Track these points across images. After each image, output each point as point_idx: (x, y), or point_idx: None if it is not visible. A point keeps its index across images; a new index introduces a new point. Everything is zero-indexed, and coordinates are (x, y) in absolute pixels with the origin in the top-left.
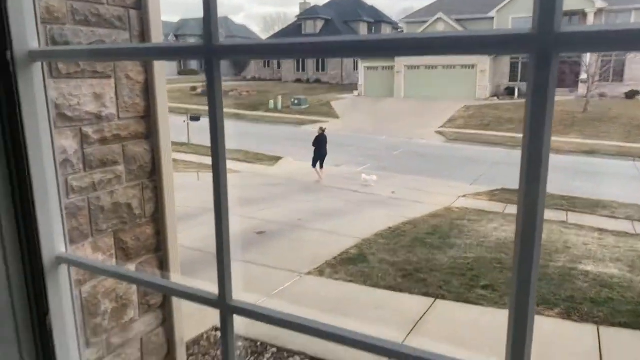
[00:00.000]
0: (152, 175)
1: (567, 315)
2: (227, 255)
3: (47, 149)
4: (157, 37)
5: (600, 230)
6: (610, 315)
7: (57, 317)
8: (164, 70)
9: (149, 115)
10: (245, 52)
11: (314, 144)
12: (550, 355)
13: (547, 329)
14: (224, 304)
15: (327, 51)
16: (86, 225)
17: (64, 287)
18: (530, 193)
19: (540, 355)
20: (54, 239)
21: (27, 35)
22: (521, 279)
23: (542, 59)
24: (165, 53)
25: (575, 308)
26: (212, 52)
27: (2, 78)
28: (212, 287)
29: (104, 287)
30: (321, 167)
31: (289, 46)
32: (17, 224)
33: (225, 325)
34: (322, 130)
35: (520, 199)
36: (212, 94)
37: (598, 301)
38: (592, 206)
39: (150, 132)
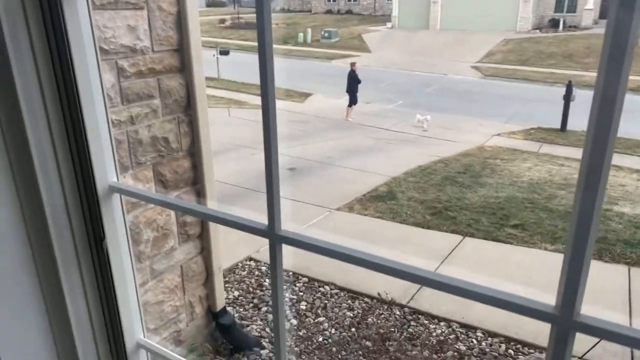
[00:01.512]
0: (187, 110)
1: (598, 255)
2: (277, 188)
3: (96, 80)
4: None
5: None
6: None
7: (112, 242)
8: (196, 1)
9: (182, 49)
10: None
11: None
12: None
13: None
14: (273, 233)
15: None
16: (126, 158)
17: (117, 214)
18: (601, 130)
19: None
20: (106, 169)
21: None
22: (582, 219)
23: None
24: None
25: (607, 249)
26: None
27: (50, 8)
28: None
29: (145, 218)
30: (349, 105)
31: None
32: (71, 154)
33: (275, 253)
34: (351, 65)
35: (588, 136)
36: (262, 23)
37: (632, 243)
38: (634, 146)
39: (183, 65)
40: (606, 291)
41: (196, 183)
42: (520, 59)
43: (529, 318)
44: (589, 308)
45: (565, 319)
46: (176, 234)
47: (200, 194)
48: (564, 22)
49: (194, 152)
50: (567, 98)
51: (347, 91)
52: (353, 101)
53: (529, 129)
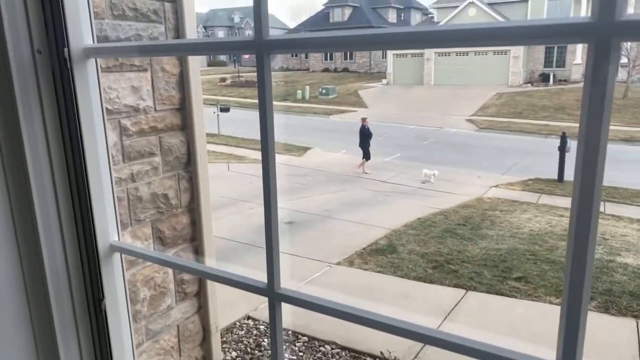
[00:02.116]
0: (187, 166)
1: (604, 308)
2: (276, 246)
3: (101, 141)
4: (192, 30)
5: None
6: None
7: (111, 302)
8: (198, 62)
9: (184, 107)
10: (295, 46)
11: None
12: (587, 348)
13: None
14: (272, 292)
15: (382, 43)
16: (125, 216)
17: (117, 274)
18: (587, 184)
19: None
20: (108, 227)
21: (82, 32)
22: (575, 273)
23: (602, 48)
24: (215, 48)
25: (614, 301)
26: (263, 46)
27: (60, 74)
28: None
29: (142, 276)
30: (363, 157)
31: (339, 39)
32: (74, 213)
33: (274, 312)
34: (362, 121)
35: (575, 189)
36: (262, 88)
37: (638, 294)
38: (631, 196)
39: (185, 123)
40: (614, 346)
41: (194, 239)
42: (514, 111)
43: None
44: None
45: None
46: (173, 292)
47: (198, 250)
48: (554, 76)
49: (193, 208)
50: (562, 149)
51: (360, 146)
52: (365, 155)
53: (527, 180)
